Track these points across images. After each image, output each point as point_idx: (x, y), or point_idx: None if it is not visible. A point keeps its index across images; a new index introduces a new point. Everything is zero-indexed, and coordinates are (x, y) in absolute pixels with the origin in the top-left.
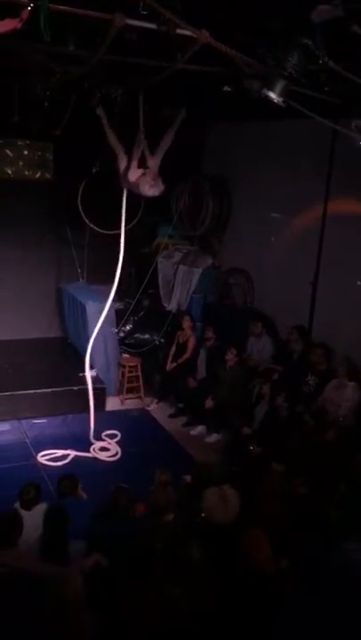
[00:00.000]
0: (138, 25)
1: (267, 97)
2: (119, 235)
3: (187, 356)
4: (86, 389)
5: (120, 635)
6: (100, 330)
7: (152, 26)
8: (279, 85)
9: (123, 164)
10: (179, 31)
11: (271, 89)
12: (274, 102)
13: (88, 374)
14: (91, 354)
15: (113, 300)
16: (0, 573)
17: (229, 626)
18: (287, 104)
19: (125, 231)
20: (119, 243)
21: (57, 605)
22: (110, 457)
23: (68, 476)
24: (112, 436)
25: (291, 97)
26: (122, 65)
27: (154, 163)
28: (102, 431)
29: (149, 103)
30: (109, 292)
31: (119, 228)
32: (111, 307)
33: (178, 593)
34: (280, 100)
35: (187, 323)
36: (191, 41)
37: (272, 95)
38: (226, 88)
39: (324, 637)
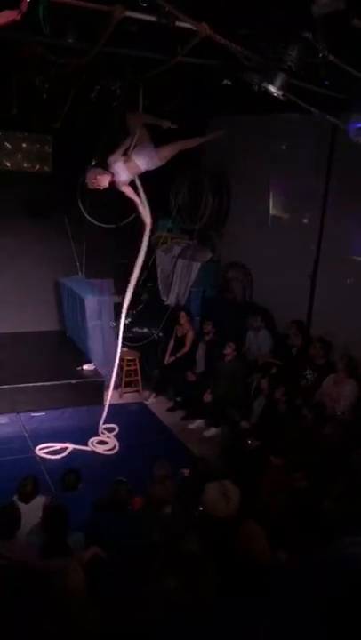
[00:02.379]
0: (138, 17)
1: (266, 90)
2: (118, 228)
3: (185, 350)
4: (85, 382)
5: (119, 627)
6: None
7: (152, 18)
8: (279, 79)
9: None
10: (178, 24)
11: (271, 82)
12: (274, 96)
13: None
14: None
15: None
16: None
17: (227, 618)
18: (287, 98)
19: (125, 224)
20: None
21: (57, 597)
22: (108, 450)
23: (73, 471)
24: (110, 430)
25: (291, 90)
26: (121, 57)
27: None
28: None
29: (148, 96)
30: (107, 285)
31: (118, 222)
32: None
33: (176, 585)
34: (280, 93)
35: (183, 318)
36: (191, 33)
37: (272, 89)
38: (226, 81)
39: (320, 630)
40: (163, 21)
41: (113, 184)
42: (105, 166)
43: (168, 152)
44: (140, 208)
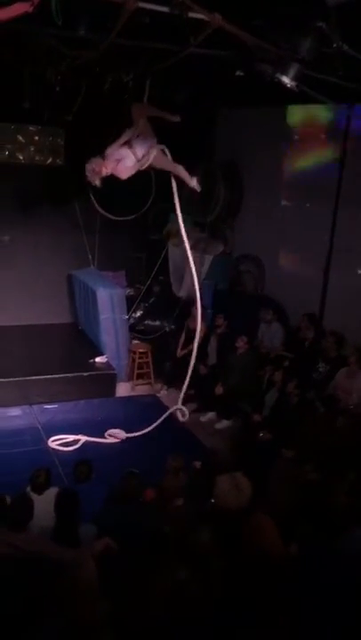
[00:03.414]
0: (150, 8)
1: (280, 81)
2: (130, 221)
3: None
4: (97, 375)
5: (131, 619)
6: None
7: (164, 9)
8: (292, 70)
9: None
10: (191, 14)
11: (284, 73)
12: (287, 87)
13: None
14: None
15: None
16: (11, 555)
17: (238, 610)
18: (300, 88)
19: (137, 217)
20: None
21: (69, 589)
22: (120, 442)
23: (85, 462)
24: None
25: (304, 81)
26: (133, 49)
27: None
28: (113, 416)
29: (159, 88)
30: (120, 277)
31: (130, 215)
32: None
33: (187, 577)
34: (293, 84)
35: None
36: (204, 24)
37: (285, 80)
38: (238, 72)
39: (331, 624)
40: (175, 12)
41: (113, 173)
42: (103, 157)
43: (162, 163)
44: (177, 170)
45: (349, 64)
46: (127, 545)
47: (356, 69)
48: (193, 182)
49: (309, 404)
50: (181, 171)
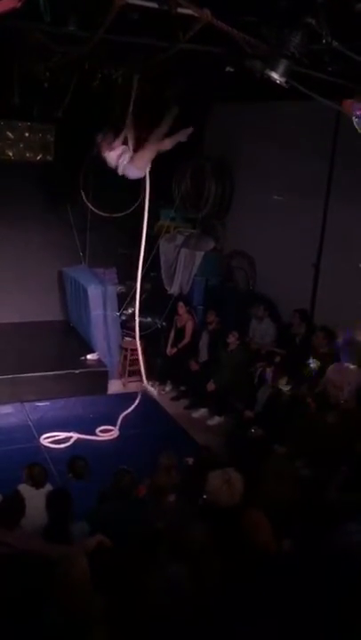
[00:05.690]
0: (139, 4)
1: (269, 77)
2: (121, 217)
3: (186, 341)
4: (88, 372)
5: (124, 615)
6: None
7: (153, 5)
8: (282, 66)
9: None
10: (180, 10)
11: (274, 69)
12: (276, 83)
13: None
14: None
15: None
16: (3, 553)
17: (231, 606)
18: (290, 85)
19: (128, 214)
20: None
21: (62, 586)
22: (112, 439)
23: (81, 458)
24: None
25: (294, 77)
26: (123, 45)
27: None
28: (104, 414)
29: (150, 84)
30: (110, 274)
31: (121, 211)
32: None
33: (181, 573)
34: (283, 80)
35: (181, 309)
36: (193, 20)
37: (275, 76)
38: (228, 68)
39: (325, 618)
40: (164, 8)
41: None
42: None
43: (147, 155)
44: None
45: (339, 60)
46: (120, 541)
47: (346, 65)
48: (186, 132)
49: (301, 399)
50: (168, 142)
